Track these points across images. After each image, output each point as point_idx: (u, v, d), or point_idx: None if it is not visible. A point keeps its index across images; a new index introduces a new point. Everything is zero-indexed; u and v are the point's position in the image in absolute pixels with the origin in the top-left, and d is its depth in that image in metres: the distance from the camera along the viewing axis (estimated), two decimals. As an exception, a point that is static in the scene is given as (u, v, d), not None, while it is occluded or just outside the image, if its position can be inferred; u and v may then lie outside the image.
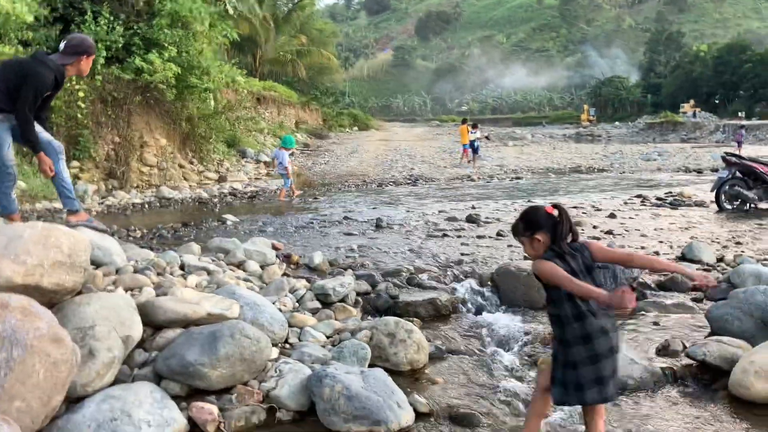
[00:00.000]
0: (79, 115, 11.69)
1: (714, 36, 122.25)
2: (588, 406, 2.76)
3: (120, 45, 12.72)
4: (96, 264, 4.44)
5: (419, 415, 3.26)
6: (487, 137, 24.70)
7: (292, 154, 12.23)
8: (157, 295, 4.07)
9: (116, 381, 3.19)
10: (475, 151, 21.14)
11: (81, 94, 11.67)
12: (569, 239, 2.76)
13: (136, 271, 4.55)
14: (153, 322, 3.66)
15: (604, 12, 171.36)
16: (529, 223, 2.80)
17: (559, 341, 2.76)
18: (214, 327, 3.46)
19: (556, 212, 2.76)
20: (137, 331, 3.44)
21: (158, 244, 7.03)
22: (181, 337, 3.49)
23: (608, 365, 2.65)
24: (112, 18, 12.55)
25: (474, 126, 21.52)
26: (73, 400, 2.97)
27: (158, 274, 4.73)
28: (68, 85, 11.63)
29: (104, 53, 12.16)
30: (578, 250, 2.76)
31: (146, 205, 11.26)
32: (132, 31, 13.31)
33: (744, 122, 45.46)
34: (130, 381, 3.27)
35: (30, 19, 10.98)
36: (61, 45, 5.03)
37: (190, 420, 3.04)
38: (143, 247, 6.10)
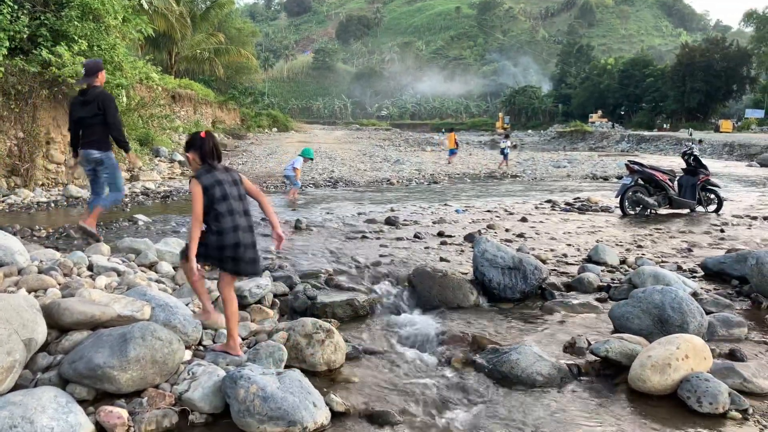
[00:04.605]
0: (-23, 108, 11.02)
1: (620, 50, 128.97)
2: (223, 274, 3.84)
3: (25, 36, 12.06)
4: (-5, 264, 4.22)
5: (336, 415, 3.28)
6: (514, 146, 29.99)
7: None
8: (64, 297, 3.91)
9: (17, 386, 3.05)
10: (505, 156, 25.13)
11: (-20, 86, 11.00)
12: (215, 160, 3.79)
13: (40, 272, 4.36)
14: (59, 325, 3.51)
15: (519, 23, 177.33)
16: (187, 144, 3.85)
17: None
18: (124, 329, 3.35)
19: (205, 136, 3.82)
20: (41, 333, 3.29)
21: (65, 244, 6.73)
22: (89, 339, 3.37)
23: (221, 254, 3.71)
24: (15, 6, 11.89)
25: (506, 136, 27.26)
26: (-31, 407, 2.81)
27: (65, 274, 4.54)
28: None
29: (7, 44, 11.51)
30: (231, 169, 3.91)
31: (52, 204, 10.73)
32: (39, 21, 12.65)
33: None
34: (32, 386, 3.13)
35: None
36: (82, 70, 6.84)
37: (97, 425, 2.95)
38: (48, 247, 5.84)
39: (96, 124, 6.62)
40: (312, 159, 13.55)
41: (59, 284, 4.22)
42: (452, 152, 26.80)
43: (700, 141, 36.09)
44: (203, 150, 3.77)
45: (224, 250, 3.70)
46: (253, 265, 3.85)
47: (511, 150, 26.60)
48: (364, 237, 7.75)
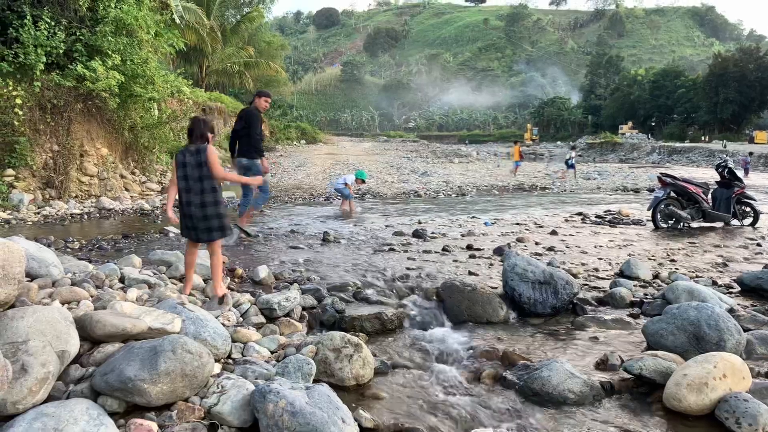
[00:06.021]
0: (15, 122, 11.29)
1: (651, 61, 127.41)
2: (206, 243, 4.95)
3: (61, 51, 12.37)
4: (31, 276, 4.30)
5: (364, 431, 3.25)
6: (579, 155, 31.25)
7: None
8: (96, 309, 3.95)
9: (50, 398, 3.07)
10: (571, 167, 26.66)
11: (18, 100, 11.28)
12: (198, 141, 4.75)
13: (73, 284, 4.41)
14: (91, 337, 3.55)
15: (547, 34, 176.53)
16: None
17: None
18: (155, 342, 3.37)
19: (193, 121, 4.84)
20: (74, 345, 3.33)
21: (97, 256, 6.83)
22: (120, 352, 3.39)
23: (184, 223, 4.85)
24: (53, 23, 12.20)
25: (572, 148, 30.15)
26: (3, 418, 2.84)
27: (97, 286, 4.60)
28: (5, 90, 11.24)
29: (44, 59, 11.82)
30: (201, 151, 4.70)
31: (85, 216, 10.92)
32: (74, 37, 12.96)
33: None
34: (64, 397, 3.16)
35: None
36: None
37: (128, 438, 2.95)
38: (81, 259, 5.94)
39: (243, 136, 8.27)
40: (364, 181, 14.08)
41: (92, 296, 4.27)
42: (517, 164, 27.96)
43: (751, 153, 35.38)
44: (189, 132, 4.82)
45: (186, 219, 4.81)
46: (208, 233, 4.83)
47: (575, 161, 27.88)
48: (391, 249, 7.73)
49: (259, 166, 8.37)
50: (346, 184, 12.72)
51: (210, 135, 4.89)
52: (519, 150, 28.45)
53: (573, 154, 27.48)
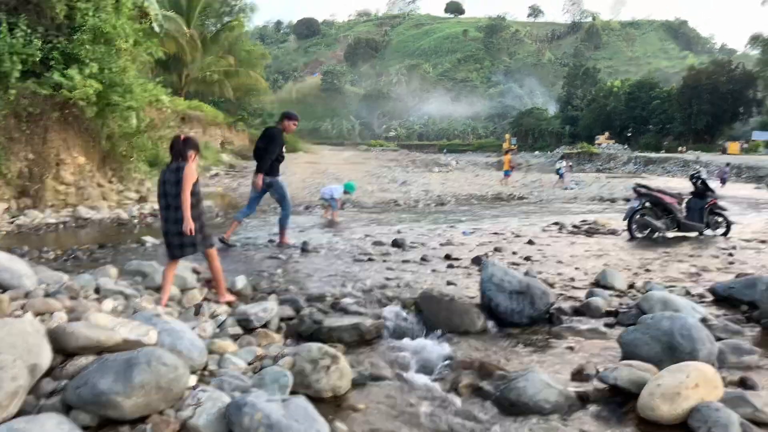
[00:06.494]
0: (-11, 130, 11.14)
1: (626, 73, 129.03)
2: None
3: (37, 59, 12.22)
4: (3, 287, 4.23)
5: (340, 443, 3.24)
6: (570, 166, 31.82)
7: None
8: (70, 320, 3.90)
9: (21, 412, 3.03)
10: (561, 176, 27.81)
11: (-8, 108, 11.13)
12: (179, 159, 4.95)
13: (47, 295, 4.35)
14: (64, 349, 3.50)
15: (525, 46, 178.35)
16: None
17: None
18: (130, 354, 3.34)
19: (173, 140, 5.10)
20: (45, 358, 3.29)
21: (73, 267, 6.75)
22: (93, 365, 3.35)
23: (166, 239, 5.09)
24: (29, 30, 12.06)
25: (562, 157, 31.13)
26: (-27, 433, 2.80)
27: (71, 298, 4.54)
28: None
29: (20, 66, 11.67)
30: (180, 169, 4.86)
31: (61, 225, 10.79)
32: (51, 45, 12.82)
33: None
34: (36, 412, 3.11)
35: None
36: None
37: (101, 452, 2.92)
38: (56, 270, 5.85)
39: (263, 155, 8.47)
40: (350, 193, 14.37)
41: (66, 308, 4.21)
42: (507, 173, 28.69)
43: (728, 164, 35.90)
44: (170, 151, 5.05)
45: (164, 237, 5.05)
46: (180, 249, 5.02)
47: (568, 171, 28.56)
48: (370, 259, 7.74)
49: (280, 183, 8.73)
50: (333, 197, 12.87)
51: (193, 152, 5.02)
52: (509, 159, 28.94)
53: (564, 163, 28.04)
